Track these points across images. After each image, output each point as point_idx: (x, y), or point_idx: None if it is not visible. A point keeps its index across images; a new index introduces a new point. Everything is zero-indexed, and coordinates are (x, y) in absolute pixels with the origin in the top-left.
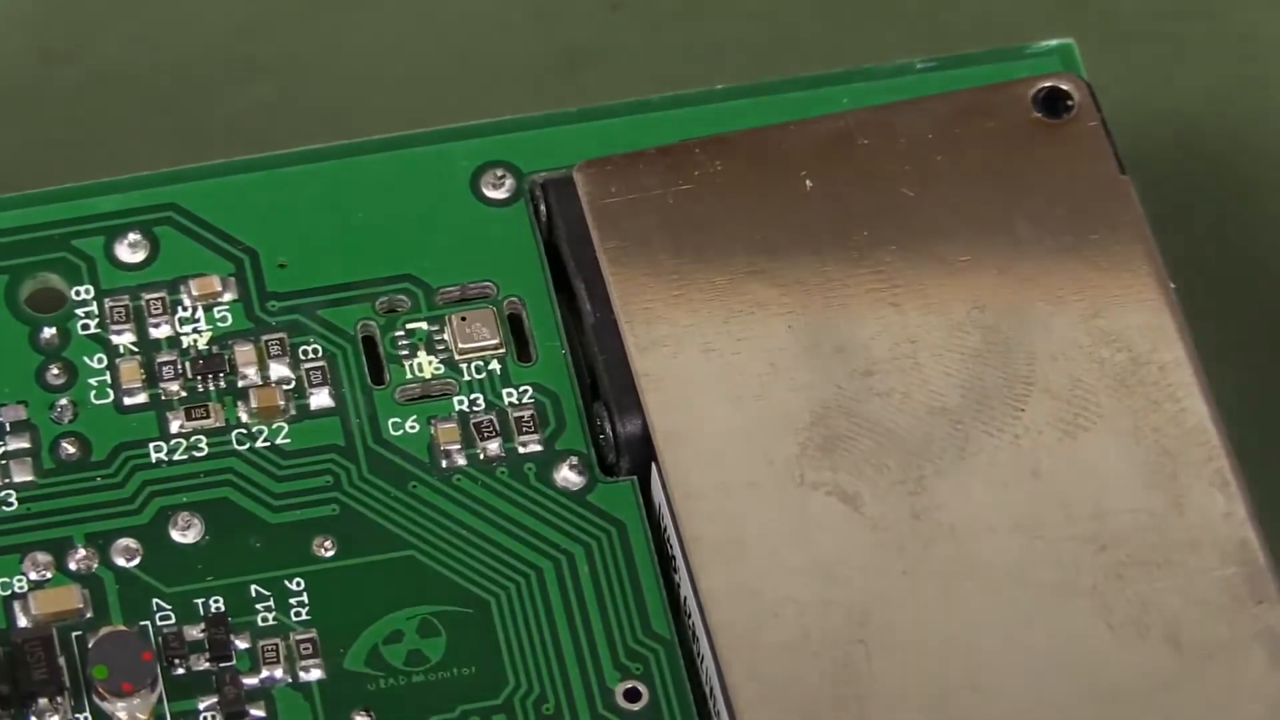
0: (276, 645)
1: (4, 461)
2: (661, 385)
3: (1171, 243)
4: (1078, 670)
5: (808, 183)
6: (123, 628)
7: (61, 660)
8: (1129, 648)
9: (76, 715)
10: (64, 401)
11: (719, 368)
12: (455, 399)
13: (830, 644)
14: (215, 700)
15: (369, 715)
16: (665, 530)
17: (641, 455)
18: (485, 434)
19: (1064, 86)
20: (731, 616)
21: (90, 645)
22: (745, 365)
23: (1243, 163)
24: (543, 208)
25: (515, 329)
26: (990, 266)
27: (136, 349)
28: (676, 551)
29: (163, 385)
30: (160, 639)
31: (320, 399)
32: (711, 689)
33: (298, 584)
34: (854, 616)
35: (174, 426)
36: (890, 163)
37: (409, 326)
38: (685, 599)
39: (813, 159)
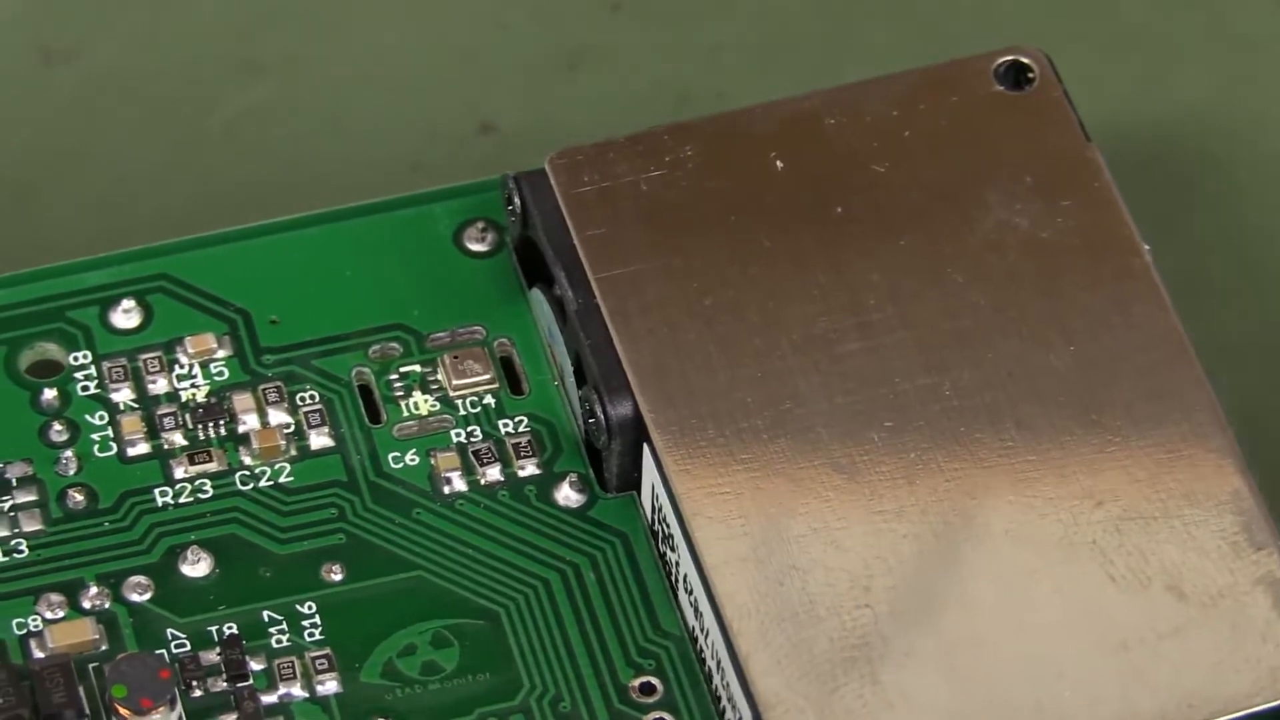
0: (292, 663)
1: (12, 513)
2: (648, 365)
3: (1171, 244)
4: (1083, 623)
5: (778, 163)
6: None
7: (80, 689)
8: (1133, 598)
9: None
10: (68, 454)
11: (704, 345)
12: (453, 432)
13: (837, 609)
14: (235, 717)
15: None
16: (660, 509)
17: (633, 436)
18: (484, 460)
19: (1024, 59)
20: (736, 587)
21: (108, 669)
22: (729, 342)
23: (1242, 163)
24: (517, 201)
25: (506, 368)
26: (967, 238)
27: (136, 404)
28: (675, 529)
29: (164, 435)
30: (177, 664)
31: (320, 439)
32: (719, 662)
33: (309, 607)
34: (858, 581)
35: (178, 473)
36: (858, 140)
37: (403, 370)
38: (685, 576)
39: (781, 140)
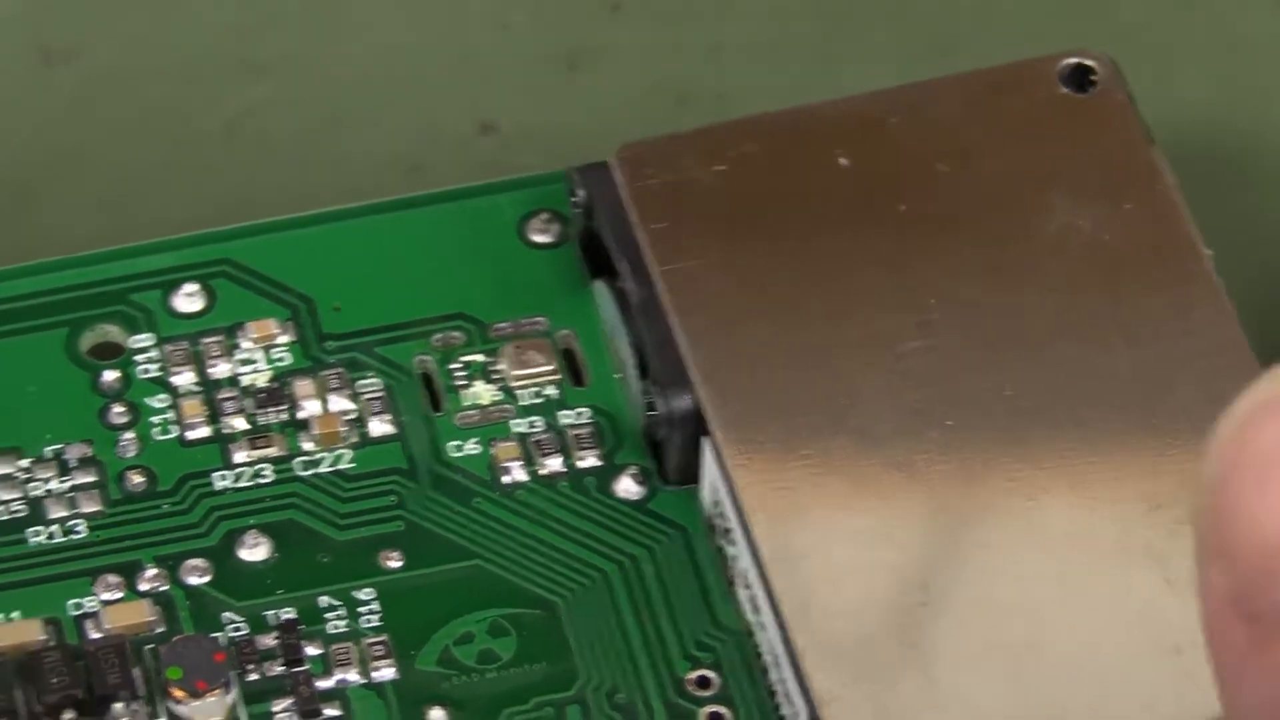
0: (349, 649)
1: (72, 494)
2: (709, 359)
3: None
4: (1138, 626)
5: (842, 161)
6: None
7: (136, 671)
8: (1188, 602)
9: None
10: (129, 436)
11: (765, 340)
12: (513, 422)
13: (893, 607)
14: (291, 701)
15: (444, 710)
16: (719, 503)
17: (693, 429)
18: (545, 451)
19: (1089, 62)
20: (793, 583)
21: (163, 651)
22: (791, 338)
23: (1241, 164)
24: (580, 192)
25: (568, 360)
26: (1029, 239)
27: (198, 388)
28: (733, 523)
29: (225, 419)
30: (234, 648)
31: (381, 427)
32: (775, 657)
33: (368, 593)
34: (915, 579)
35: (238, 457)
36: (923, 139)
37: (465, 359)
38: (745, 571)
39: (846, 138)
